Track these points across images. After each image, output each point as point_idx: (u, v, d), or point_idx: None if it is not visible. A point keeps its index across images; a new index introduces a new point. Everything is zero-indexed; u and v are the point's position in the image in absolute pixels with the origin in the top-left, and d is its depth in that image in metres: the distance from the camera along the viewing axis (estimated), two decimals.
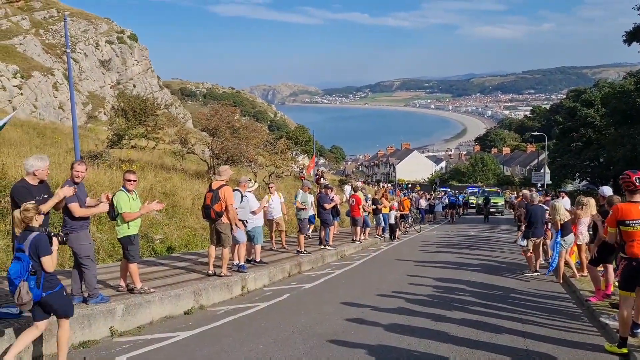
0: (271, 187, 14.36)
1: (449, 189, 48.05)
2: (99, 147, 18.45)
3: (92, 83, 53.38)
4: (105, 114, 44.68)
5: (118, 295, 7.78)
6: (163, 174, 18.51)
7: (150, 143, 19.48)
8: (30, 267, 5.35)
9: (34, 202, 5.78)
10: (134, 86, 57.56)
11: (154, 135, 19.55)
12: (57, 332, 5.80)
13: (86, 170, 7.35)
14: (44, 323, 5.71)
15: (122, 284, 8.16)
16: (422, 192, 42.21)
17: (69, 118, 31.80)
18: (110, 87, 55.46)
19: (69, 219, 7.00)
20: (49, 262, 5.46)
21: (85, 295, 7.21)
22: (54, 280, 5.59)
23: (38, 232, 5.49)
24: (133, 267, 7.93)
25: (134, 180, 8.05)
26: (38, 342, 6.03)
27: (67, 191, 6.67)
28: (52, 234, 5.77)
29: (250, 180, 12.10)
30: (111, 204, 7.66)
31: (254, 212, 11.35)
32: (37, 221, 5.56)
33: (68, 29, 15.07)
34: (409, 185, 60.66)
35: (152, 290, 8.11)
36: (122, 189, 7.90)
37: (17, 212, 5.53)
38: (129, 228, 7.86)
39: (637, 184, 6.07)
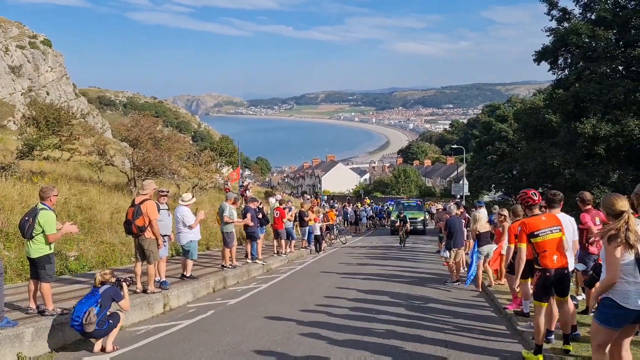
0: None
1: (391, 202, 48.61)
2: (8, 158, 17.24)
3: (1, 90, 50.15)
4: (15, 122, 41.91)
5: (27, 317, 7.24)
6: (79, 186, 17.57)
7: (64, 154, 18.47)
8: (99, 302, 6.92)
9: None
10: (48, 94, 54.63)
11: (69, 146, 18.54)
12: None
13: None
14: None
15: (32, 305, 7.58)
16: (348, 204, 42.63)
17: None
18: (21, 95, 52.31)
19: None
20: (125, 304, 7.38)
21: None
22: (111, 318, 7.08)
23: (110, 285, 7.19)
24: (47, 287, 7.41)
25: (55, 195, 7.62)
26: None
27: None
28: (121, 279, 7.43)
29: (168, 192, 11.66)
30: (32, 223, 7.22)
31: (190, 227, 11.07)
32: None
33: None
34: (326, 197, 61.26)
35: (65, 311, 7.59)
36: (45, 206, 7.39)
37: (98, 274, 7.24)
38: (50, 248, 7.42)
39: (534, 198, 6.50)
